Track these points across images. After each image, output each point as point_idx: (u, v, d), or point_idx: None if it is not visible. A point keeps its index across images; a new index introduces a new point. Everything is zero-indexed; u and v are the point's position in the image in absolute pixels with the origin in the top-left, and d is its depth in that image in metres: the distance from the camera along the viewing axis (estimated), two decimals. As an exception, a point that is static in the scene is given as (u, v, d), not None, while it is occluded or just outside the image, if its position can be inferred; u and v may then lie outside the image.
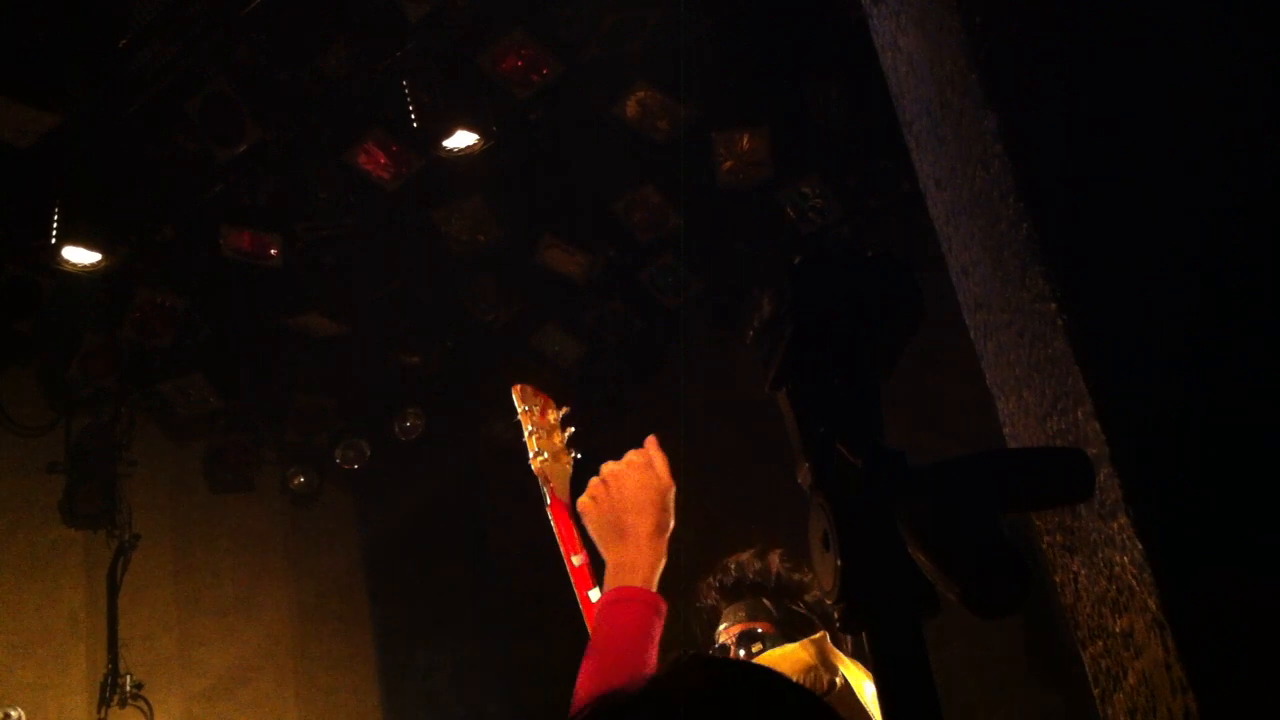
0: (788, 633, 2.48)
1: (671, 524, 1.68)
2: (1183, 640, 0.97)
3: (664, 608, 1.58)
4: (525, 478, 2.06)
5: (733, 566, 2.61)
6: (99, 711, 4.78)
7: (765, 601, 2.53)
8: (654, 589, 1.60)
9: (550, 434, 2.10)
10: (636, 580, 1.59)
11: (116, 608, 5.01)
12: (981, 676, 4.25)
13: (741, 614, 2.54)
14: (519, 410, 2.05)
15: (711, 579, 2.63)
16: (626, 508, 1.66)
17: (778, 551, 2.58)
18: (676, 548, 1.71)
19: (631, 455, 1.73)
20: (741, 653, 2.49)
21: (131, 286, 4.80)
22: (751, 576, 2.57)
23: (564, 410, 2.10)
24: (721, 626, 2.57)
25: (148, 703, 4.95)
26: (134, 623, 5.14)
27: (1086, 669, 1.17)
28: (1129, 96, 1.15)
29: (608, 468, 1.73)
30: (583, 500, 1.73)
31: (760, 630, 2.50)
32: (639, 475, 1.69)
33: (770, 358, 0.95)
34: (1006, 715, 4.34)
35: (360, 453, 5.90)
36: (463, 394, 5.82)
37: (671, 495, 1.70)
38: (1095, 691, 1.15)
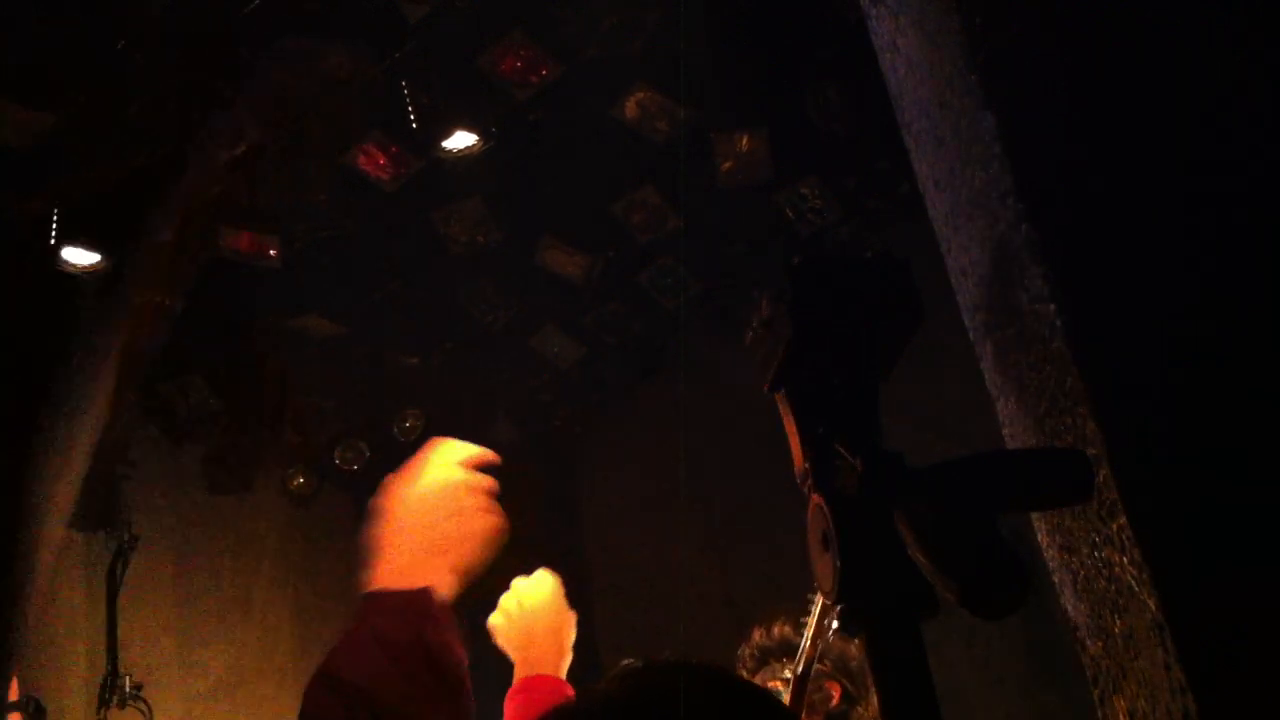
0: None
1: (573, 634, 1.85)
2: (1182, 641, 0.97)
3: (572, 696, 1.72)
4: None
5: (775, 632, 2.69)
6: (98, 712, 4.76)
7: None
8: (563, 678, 1.76)
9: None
10: (546, 670, 1.75)
11: (115, 609, 4.99)
12: (981, 676, 4.25)
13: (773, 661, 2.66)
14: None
15: (748, 648, 2.72)
16: (535, 616, 1.83)
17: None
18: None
19: (540, 576, 1.90)
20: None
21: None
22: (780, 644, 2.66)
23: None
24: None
25: (147, 704, 4.93)
26: (133, 624, 5.12)
27: (1086, 669, 1.17)
28: (1129, 96, 1.15)
29: (519, 583, 1.89)
30: (494, 615, 1.88)
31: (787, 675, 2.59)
32: (546, 592, 1.86)
33: (769, 358, 0.95)
34: (1006, 715, 4.34)
35: (360, 453, 5.89)
36: (463, 394, 5.81)
37: (573, 621, 1.87)
38: (1095, 692, 1.15)
